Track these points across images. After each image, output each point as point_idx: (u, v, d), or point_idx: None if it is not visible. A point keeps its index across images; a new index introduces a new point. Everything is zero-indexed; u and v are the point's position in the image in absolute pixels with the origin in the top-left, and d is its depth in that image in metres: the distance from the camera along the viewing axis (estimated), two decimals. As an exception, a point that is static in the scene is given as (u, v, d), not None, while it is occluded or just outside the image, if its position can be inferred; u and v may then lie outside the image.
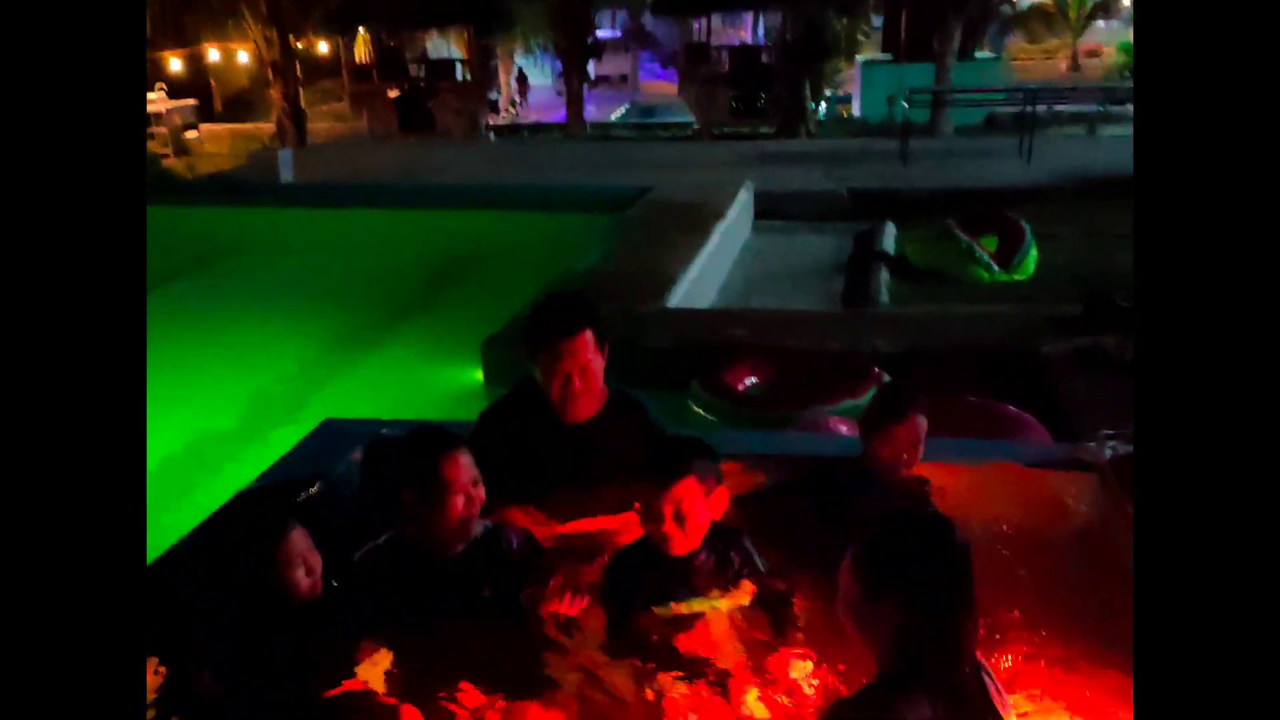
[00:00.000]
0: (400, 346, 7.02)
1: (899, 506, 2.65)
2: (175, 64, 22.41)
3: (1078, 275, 7.62)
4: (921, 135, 15.53)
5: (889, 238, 9.40)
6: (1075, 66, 29.88)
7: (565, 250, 8.26)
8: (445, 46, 25.27)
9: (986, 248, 8.29)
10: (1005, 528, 2.86)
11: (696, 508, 2.38)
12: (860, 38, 21.68)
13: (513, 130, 22.86)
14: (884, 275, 8.31)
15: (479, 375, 5.86)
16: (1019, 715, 2.12)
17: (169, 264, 8.00)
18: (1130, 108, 15.76)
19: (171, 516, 3.48)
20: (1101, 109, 17.82)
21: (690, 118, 20.83)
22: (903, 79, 17.49)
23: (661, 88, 31.06)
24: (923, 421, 2.80)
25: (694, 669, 2.31)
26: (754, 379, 5.44)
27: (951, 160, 13.56)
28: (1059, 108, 17.29)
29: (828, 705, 1.75)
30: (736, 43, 23.42)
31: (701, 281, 7.66)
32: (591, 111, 22.90)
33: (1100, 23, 32.03)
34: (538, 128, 23.04)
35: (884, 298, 7.78)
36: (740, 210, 9.96)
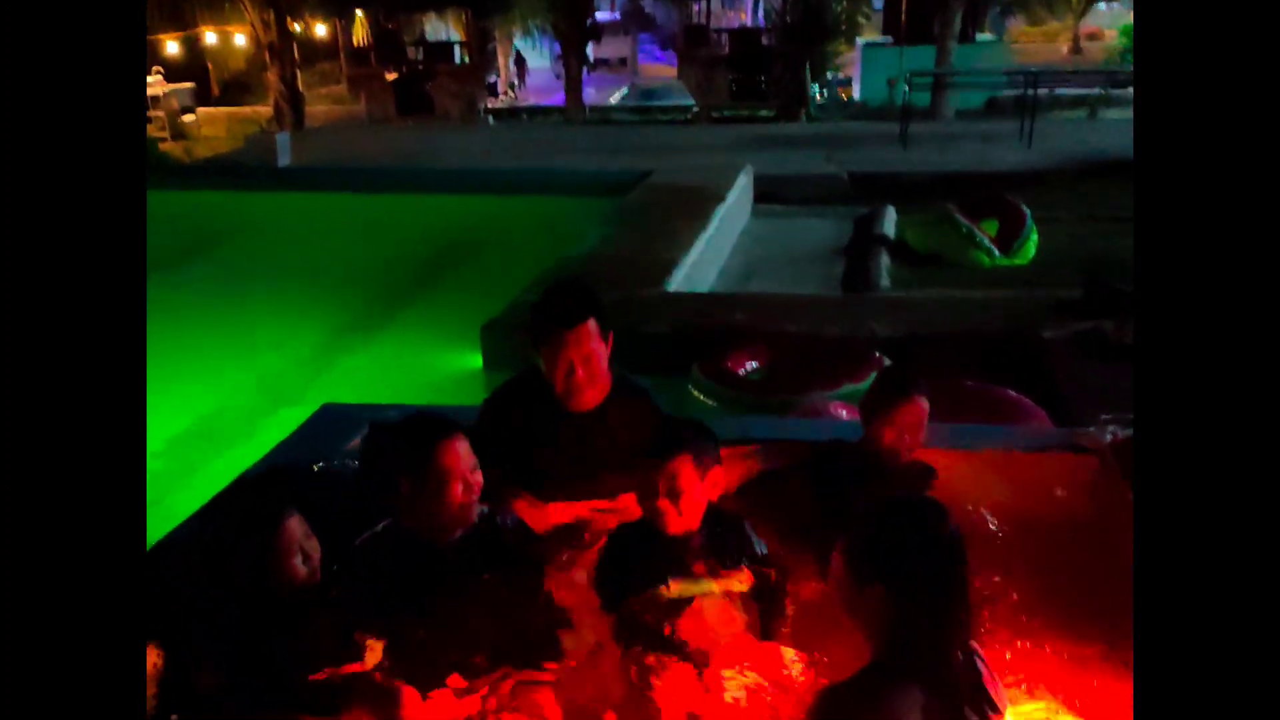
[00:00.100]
0: (399, 331, 7.01)
1: (898, 492, 2.64)
2: (172, 47, 22.26)
3: (1078, 259, 7.60)
4: (922, 118, 15.49)
5: (889, 222, 9.38)
6: (1076, 49, 29.72)
7: (564, 235, 8.24)
8: (443, 29, 25.13)
9: (987, 232, 8.27)
10: (1004, 513, 2.86)
11: (691, 486, 2.38)
12: (861, 20, 21.63)
13: (511, 113, 22.77)
14: (884, 259, 8.29)
15: (478, 359, 5.85)
16: (1016, 704, 2.12)
17: (167, 248, 7.98)
18: (1131, 91, 15.70)
19: (171, 501, 3.49)
20: (1102, 92, 17.77)
21: (690, 101, 20.75)
22: (903, 62, 17.43)
23: (661, 70, 30.91)
24: (925, 403, 2.78)
25: (686, 653, 2.31)
26: (754, 364, 5.44)
27: (952, 144, 13.52)
28: (1060, 91, 17.25)
29: (820, 692, 1.75)
30: (736, 25, 23.36)
31: (701, 266, 7.64)
32: (590, 94, 22.82)
33: (1101, 5, 31.86)
34: (536, 111, 22.95)
35: (884, 282, 7.77)
36: (740, 194, 9.93)
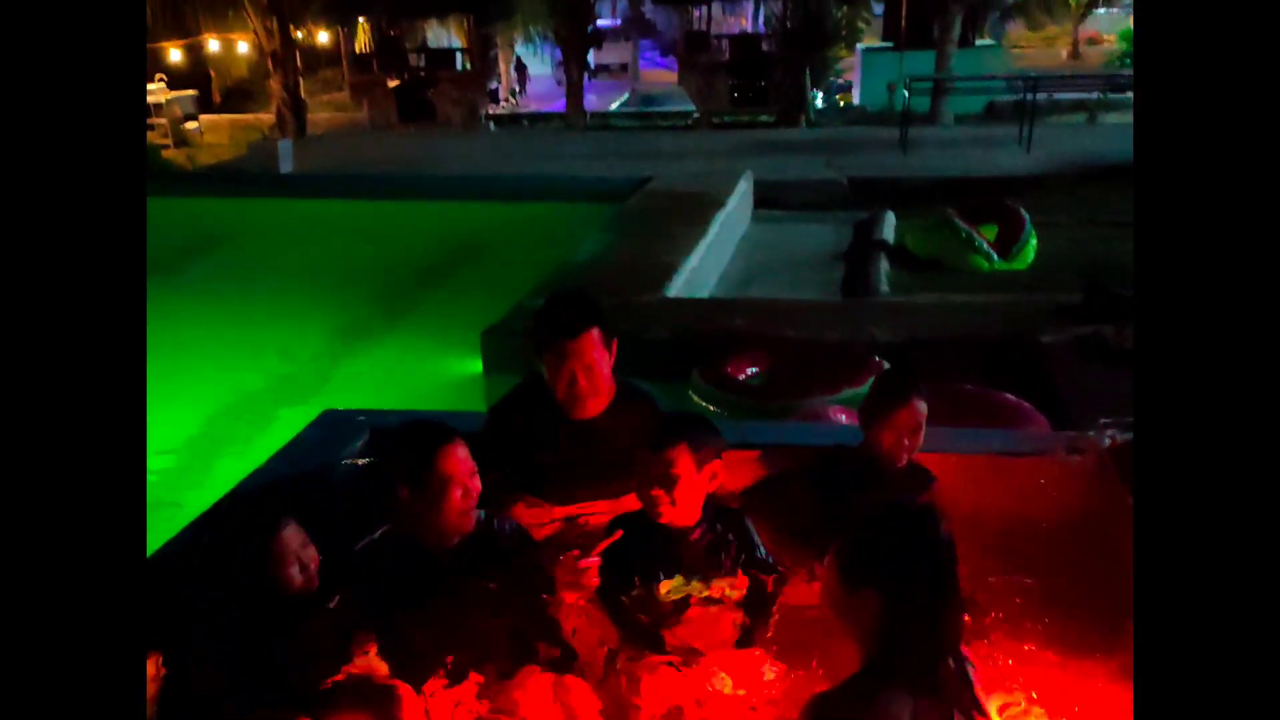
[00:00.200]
0: (400, 336, 7.01)
1: (896, 496, 2.64)
2: (175, 55, 22.29)
3: (1077, 264, 7.60)
4: (922, 123, 15.51)
5: (889, 226, 9.38)
6: (1076, 54, 29.74)
7: (565, 240, 8.25)
8: (445, 36, 25.19)
9: (986, 236, 8.27)
10: (1003, 517, 2.86)
11: (687, 475, 2.39)
12: (860, 25, 21.64)
13: (512, 120, 22.80)
14: (884, 264, 8.29)
15: (478, 365, 5.86)
16: (1015, 707, 2.12)
17: (169, 255, 8.00)
18: (1130, 95, 15.71)
19: (171, 508, 3.49)
20: (1101, 97, 17.78)
21: (690, 106, 20.78)
22: (903, 67, 17.45)
23: (662, 76, 30.94)
24: (923, 406, 2.78)
25: (681, 654, 2.32)
26: (754, 369, 5.44)
27: (952, 148, 13.53)
28: (1059, 95, 17.25)
29: (811, 698, 1.76)
30: (737, 31, 23.38)
31: (701, 271, 7.64)
32: (591, 101, 22.83)
33: (1101, 10, 31.88)
34: (537, 117, 22.99)
35: (884, 287, 7.76)
36: (740, 199, 9.93)
